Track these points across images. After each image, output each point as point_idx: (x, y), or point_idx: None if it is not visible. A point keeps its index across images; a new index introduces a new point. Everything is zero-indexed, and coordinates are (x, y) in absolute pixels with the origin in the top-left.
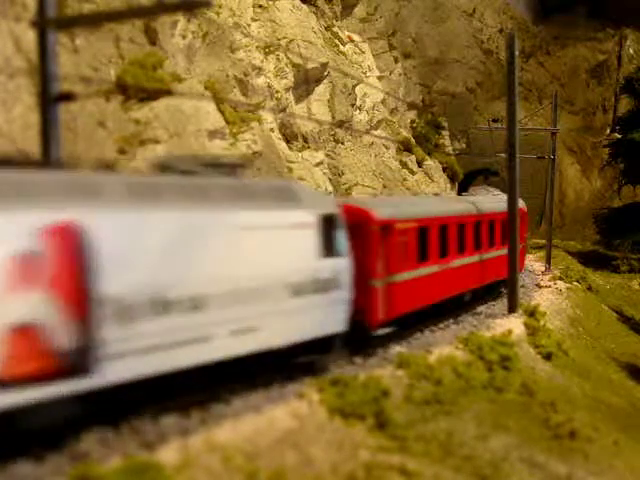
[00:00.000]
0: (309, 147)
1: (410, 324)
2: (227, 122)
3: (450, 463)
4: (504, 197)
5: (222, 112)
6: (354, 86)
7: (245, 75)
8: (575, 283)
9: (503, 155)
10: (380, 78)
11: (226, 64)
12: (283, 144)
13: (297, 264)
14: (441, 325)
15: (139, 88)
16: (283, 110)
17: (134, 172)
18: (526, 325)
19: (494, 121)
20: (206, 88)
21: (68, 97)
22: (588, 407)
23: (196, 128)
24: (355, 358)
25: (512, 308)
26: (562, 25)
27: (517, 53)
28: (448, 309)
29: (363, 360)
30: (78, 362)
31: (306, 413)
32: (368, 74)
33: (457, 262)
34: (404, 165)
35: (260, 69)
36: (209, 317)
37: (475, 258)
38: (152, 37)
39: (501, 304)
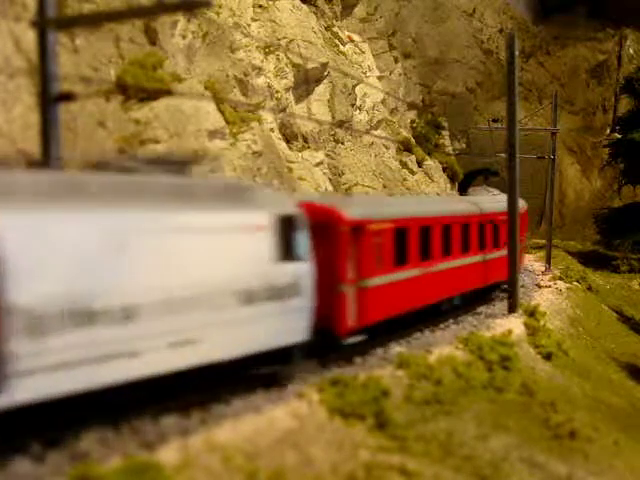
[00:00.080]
0: (309, 147)
1: (389, 331)
2: (227, 122)
3: (450, 463)
4: (500, 197)
5: (222, 112)
6: (354, 86)
7: (245, 75)
8: (575, 283)
9: (503, 155)
10: (380, 78)
11: (226, 64)
12: (283, 144)
13: (248, 269)
14: (441, 325)
15: (139, 88)
16: (283, 110)
17: (61, 170)
18: (526, 325)
19: (494, 121)
20: (206, 88)
21: (68, 97)
22: (588, 407)
23: (196, 128)
24: (355, 358)
25: (512, 308)
26: (562, 25)
27: (517, 53)
28: (434, 315)
29: (363, 360)
30: None
31: (306, 413)
32: (368, 74)
33: (442, 265)
34: (404, 165)
35: (260, 69)
36: (141, 329)
37: (463, 261)
38: (152, 37)
39: (501, 304)
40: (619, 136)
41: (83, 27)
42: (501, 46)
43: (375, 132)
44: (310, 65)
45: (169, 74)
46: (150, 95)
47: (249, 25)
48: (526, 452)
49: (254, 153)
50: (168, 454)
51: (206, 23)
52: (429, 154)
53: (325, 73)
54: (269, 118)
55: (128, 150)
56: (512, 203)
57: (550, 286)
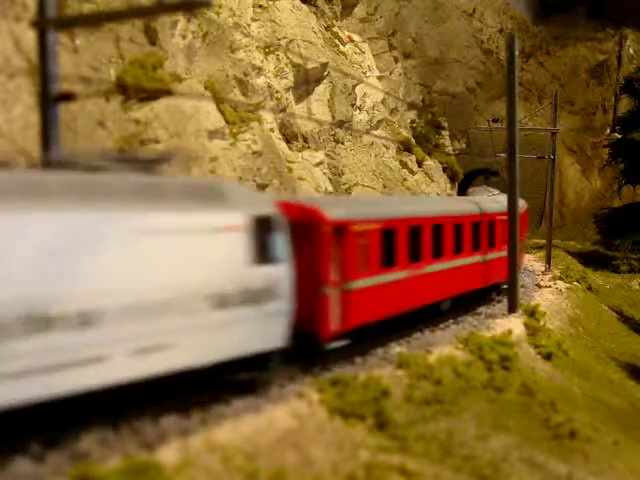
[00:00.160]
0: (309, 147)
1: (376, 334)
2: (227, 122)
3: (450, 463)
4: (498, 197)
5: (222, 112)
6: (354, 86)
7: (245, 75)
8: (575, 283)
9: (503, 155)
10: (380, 78)
11: (226, 64)
12: (283, 144)
13: (221, 272)
14: (441, 325)
15: (139, 88)
16: (283, 110)
17: (21, 169)
18: (526, 325)
19: (494, 121)
20: (206, 88)
21: (68, 97)
22: (588, 407)
23: (196, 128)
24: (355, 358)
25: (512, 308)
26: (562, 25)
27: (517, 53)
28: (432, 316)
29: (363, 360)
30: None
31: (306, 413)
32: (368, 74)
33: (433, 267)
34: (404, 165)
35: (260, 69)
36: (104, 335)
37: (456, 263)
38: (152, 37)
39: (501, 304)
40: (619, 136)
41: (83, 27)
42: (501, 46)
43: (375, 132)
44: (310, 65)
45: (169, 74)
46: (150, 95)
47: (249, 25)
48: (526, 452)
49: (254, 153)
50: (168, 454)
51: (206, 23)
52: (429, 154)
53: (325, 73)
54: (269, 118)
55: (128, 150)
56: (512, 203)
57: (550, 286)
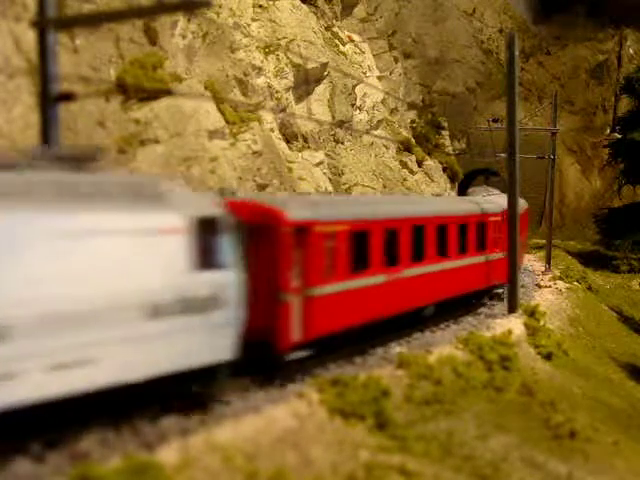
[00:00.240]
0: (309, 147)
1: (345, 344)
2: (227, 122)
3: (450, 463)
4: (494, 197)
5: (222, 112)
6: (354, 86)
7: (245, 75)
8: (575, 283)
9: (503, 155)
10: (380, 78)
11: (226, 64)
12: (283, 144)
13: (157, 279)
14: (441, 325)
15: (139, 88)
16: (283, 110)
17: None
18: (526, 325)
19: (494, 121)
20: (206, 88)
21: (68, 97)
22: (588, 407)
23: (196, 128)
24: (355, 358)
25: (512, 308)
26: (562, 25)
27: (517, 53)
28: (410, 323)
29: (363, 360)
30: None
31: (306, 413)
32: (368, 74)
33: (412, 271)
34: (404, 165)
35: (260, 69)
36: (13, 349)
37: (440, 266)
38: (152, 37)
39: (501, 304)
40: (619, 136)
41: (83, 27)
42: (501, 46)
43: (375, 132)
44: (310, 65)
45: (169, 74)
46: (150, 95)
47: (249, 25)
48: (526, 452)
49: (254, 153)
50: (168, 454)
51: (206, 23)
52: (429, 154)
53: (325, 73)
54: (269, 118)
55: (128, 150)
56: (512, 203)
57: (550, 286)
